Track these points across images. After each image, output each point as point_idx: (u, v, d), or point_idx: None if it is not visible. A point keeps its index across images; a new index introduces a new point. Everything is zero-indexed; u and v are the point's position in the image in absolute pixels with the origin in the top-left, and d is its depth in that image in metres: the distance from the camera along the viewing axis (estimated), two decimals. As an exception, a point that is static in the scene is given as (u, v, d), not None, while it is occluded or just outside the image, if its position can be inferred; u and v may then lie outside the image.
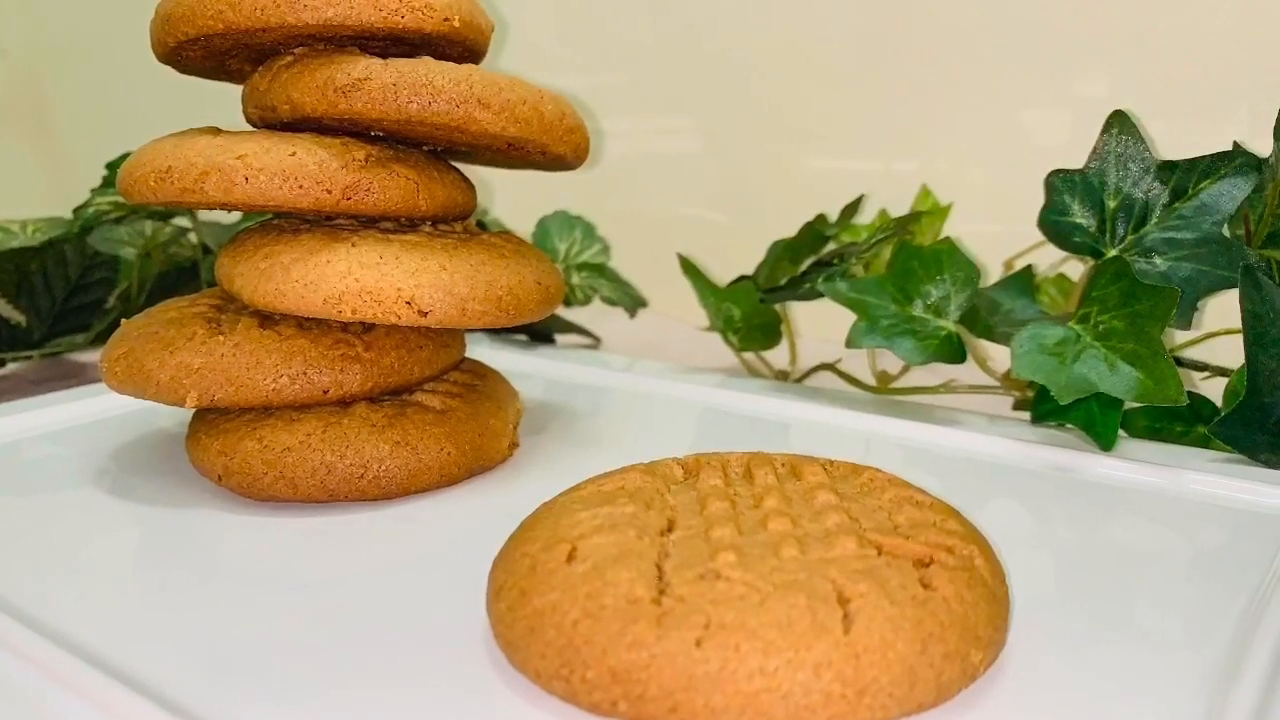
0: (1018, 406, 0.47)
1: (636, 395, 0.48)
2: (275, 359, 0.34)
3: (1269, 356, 0.38)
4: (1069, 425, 0.42)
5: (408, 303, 0.34)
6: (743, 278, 0.57)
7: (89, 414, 0.44)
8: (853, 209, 0.55)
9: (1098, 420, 0.41)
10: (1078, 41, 0.57)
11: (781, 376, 0.52)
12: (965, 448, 0.41)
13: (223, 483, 0.35)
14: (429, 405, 0.37)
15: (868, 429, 0.43)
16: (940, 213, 0.59)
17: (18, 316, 0.58)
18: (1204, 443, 0.43)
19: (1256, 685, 0.24)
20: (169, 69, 0.40)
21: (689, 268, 0.51)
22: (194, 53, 0.37)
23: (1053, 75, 0.58)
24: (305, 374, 0.35)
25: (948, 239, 0.45)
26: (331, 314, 0.34)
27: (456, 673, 0.25)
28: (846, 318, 0.45)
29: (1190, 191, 0.41)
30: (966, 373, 0.47)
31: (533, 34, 0.76)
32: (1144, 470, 0.38)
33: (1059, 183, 0.43)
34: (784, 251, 0.54)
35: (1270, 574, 0.29)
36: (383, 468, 0.35)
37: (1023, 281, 0.47)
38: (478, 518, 0.34)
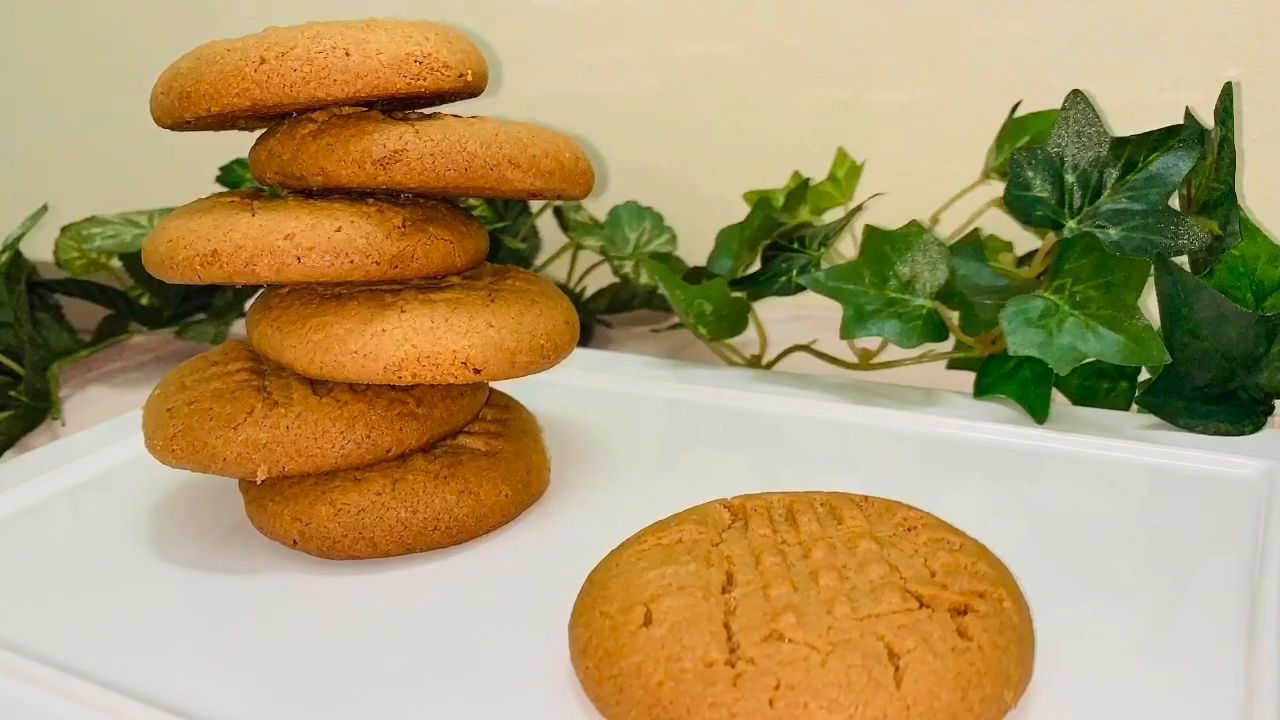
0: (952, 366, 0.51)
1: (601, 395, 0.51)
2: (339, 426, 0.36)
3: (1182, 333, 0.43)
4: (1006, 398, 0.46)
5: (463, 363, 0.35)
6: (698, 270, 0.60)
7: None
8: (800, 193, 0.58)
9: (1031, 393, 0.45)
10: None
11: (754, 362, 0.56)
12: (943, 428, 0.45)
13: (298, 546, 0.36)
14: (477, 448, 0.39)
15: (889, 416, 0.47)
16: (855, 171, 0.62)
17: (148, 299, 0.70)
18: (1128, 396, 0.49)
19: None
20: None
21: (658, 269, 0.53)
22: (206, 121, 0.37)
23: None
24: (369, 437, 0.36)
25: (915, 223, 0.48)
26: (391, 380, 0.35)
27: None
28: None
29: (1140, 165, 0.45)
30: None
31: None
32: (1148, 451, 0.42)
33: (1022, 159, 0.46)
34: (740, 240, 0.57)
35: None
36: (453, 517, 0.37)
37: (972, 245, 0.51)
38: (542, 556, 0.37)
